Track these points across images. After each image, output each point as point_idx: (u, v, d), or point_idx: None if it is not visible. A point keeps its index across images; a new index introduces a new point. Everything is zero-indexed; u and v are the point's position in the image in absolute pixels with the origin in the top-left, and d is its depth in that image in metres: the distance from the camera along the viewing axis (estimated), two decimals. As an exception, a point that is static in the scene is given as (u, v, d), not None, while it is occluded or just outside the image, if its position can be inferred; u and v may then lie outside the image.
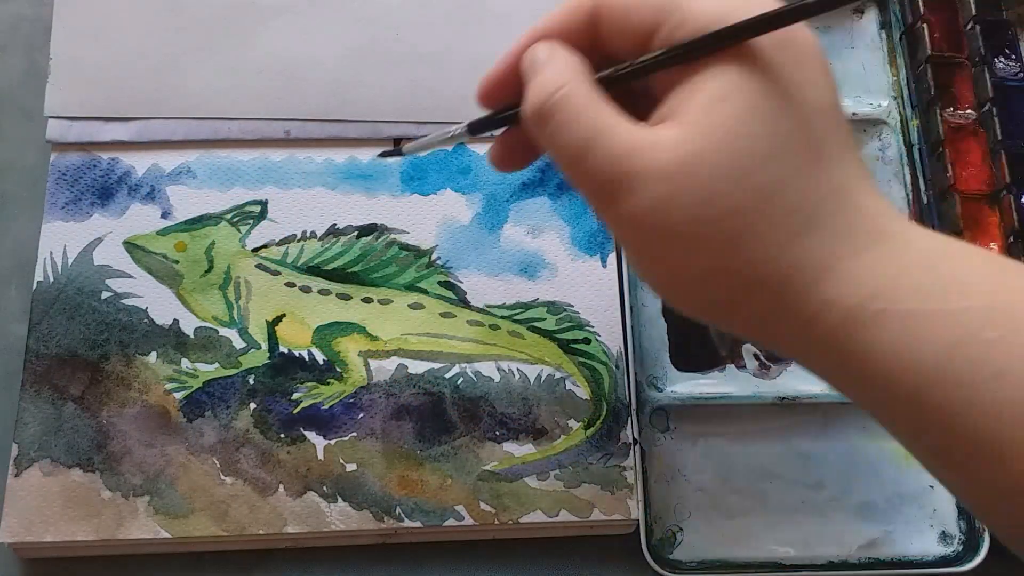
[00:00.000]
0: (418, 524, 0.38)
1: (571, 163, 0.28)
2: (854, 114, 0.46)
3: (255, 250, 0.42)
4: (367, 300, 0.41)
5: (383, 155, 0.37)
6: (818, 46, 0.28)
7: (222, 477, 0.38)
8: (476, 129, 0.32)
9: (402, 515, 0.38)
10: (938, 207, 0.44)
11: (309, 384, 0.40)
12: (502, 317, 0.41)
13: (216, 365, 0.40)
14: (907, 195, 0.45)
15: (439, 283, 0.42)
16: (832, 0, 0.25)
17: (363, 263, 0.42)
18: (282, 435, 0.39)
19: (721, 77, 0.26)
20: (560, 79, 0.28)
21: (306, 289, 0.42)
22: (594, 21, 0.29)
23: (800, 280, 0.26)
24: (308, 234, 0.42)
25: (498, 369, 0.41)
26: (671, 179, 0.26)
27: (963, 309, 0.25)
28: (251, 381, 0.40)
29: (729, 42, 0.26)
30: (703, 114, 0.26)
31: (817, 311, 0.26)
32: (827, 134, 0.27)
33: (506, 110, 0.31)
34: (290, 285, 0.42)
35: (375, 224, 0.43)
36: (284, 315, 0.41)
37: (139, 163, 0.43)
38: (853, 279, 0.26)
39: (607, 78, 0.29)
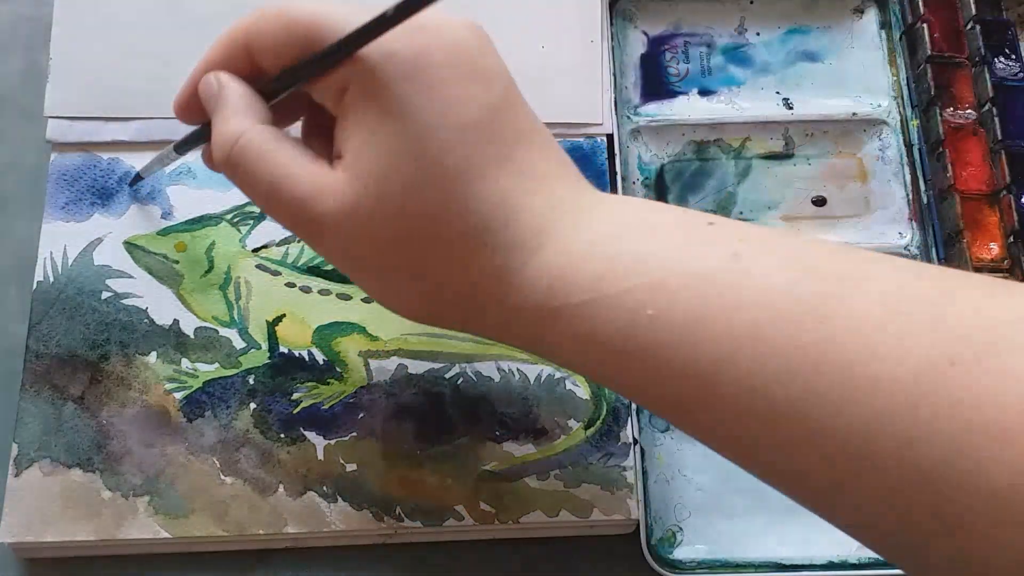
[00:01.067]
0: (418, 524, 0.38)
1: (263, 206, 0.31)
2: (854, 114, 0.46)
3: (255, 250, 0.42)
4: (367, 300, 0.41)
5: (131, 183, 0.42)
6: (464, 50, 0.28)
7: (222, 477, 0.38)
8: (180, 148, 0.36)
9: (402, 515, 0.38)
10: (938, 207, 0.44)
11: (309, 384, 0.40)
12: (502, 317, 0.41)
13: (216, 365, 0.40)
14: (907, 195, 0.45)
15: (439, 283, 0.42)
16: (415, 4, 0.25)
17: (363, 263, 0.42)
18: (282, 435, 0.39)
19: (363, 122, 0.28)
20: (238, 129, 0.29)
21: (306, 289, 0.42)
22: (249, 54, 0.30)
23: (485, 292, 0.28)
24: (308, 234, 0.42)
25: (498, 369, 0.41)
26: (342, 225, 0.28)
27: (625, 290, 0.27)
28: (251, 381, 0.40)
29: (333, 60, 0.27)
30: (353, 159, 0.28)
31: (508, 316, 0.29)
32: (475, 151, 0.27)
33: (202, 131, 0.34)
34: (290, 285, 0.42)
35: (375, 224, 0.43)
36: (284, 315, 0.41)
37: (139, 163, 0.43)
38: (527, 285, 0.28)
39: (266, 93, 0.30)
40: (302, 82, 0.29)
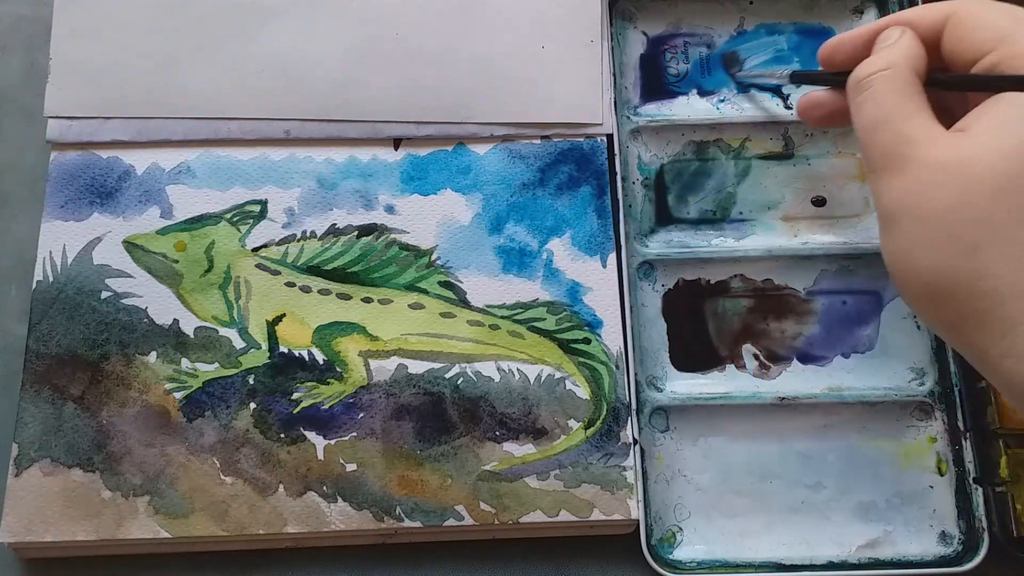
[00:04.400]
0: (418, 524, 0.38)
1: (863, 132, 0.33)
2: (854, 114, 0.46)
3: (255, 250, 0.42)
4: (367, 300, 0.41)
5: (731, 69, 0.46)
6: None
7: (222, 477, 0.38)
8: (797, 79, 0.41)
9: (402, 515, 0.38)
10: (938, 207, 0.44)
11: (309, 384, 0.40)
12: (502, 317, 0.41)
13: (216, 365, 0.40)
14: (907, 195, 0.45)
15: (439, 283, 0.42)
16: None
17: (363, 263, 0.42)
18: (282, 435, 0.39)
19: (1016, 108, 0.30)
20: (888, 60, 0.33)
21: (306, 289, 0.42)
22: (943, 24, 0.34)
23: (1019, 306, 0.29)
24: (308, 234, 0.42)
25: (498, 369, 0.41)
26: (936, 172, 0.30)
27: None
28: (251, 381, 0.40)
29: None
30: (987, 133, 0.30)
31: None
32: None
33: (835, 74, 0.37)
34: (290, 285, 0.42)
35: (375, 224, 0.43)
36: (284, 315, 0.41)
37: (139, 162, 0.43)
38: None
39: (935, 80, 0.34)
40: (988, 90, 0.32)
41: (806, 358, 0.42)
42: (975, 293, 0.29)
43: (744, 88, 0.46)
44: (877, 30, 0.36)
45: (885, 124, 0.32)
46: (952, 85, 0.34)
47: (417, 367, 0.40)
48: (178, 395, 0.40)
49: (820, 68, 0.39)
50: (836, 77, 0.37)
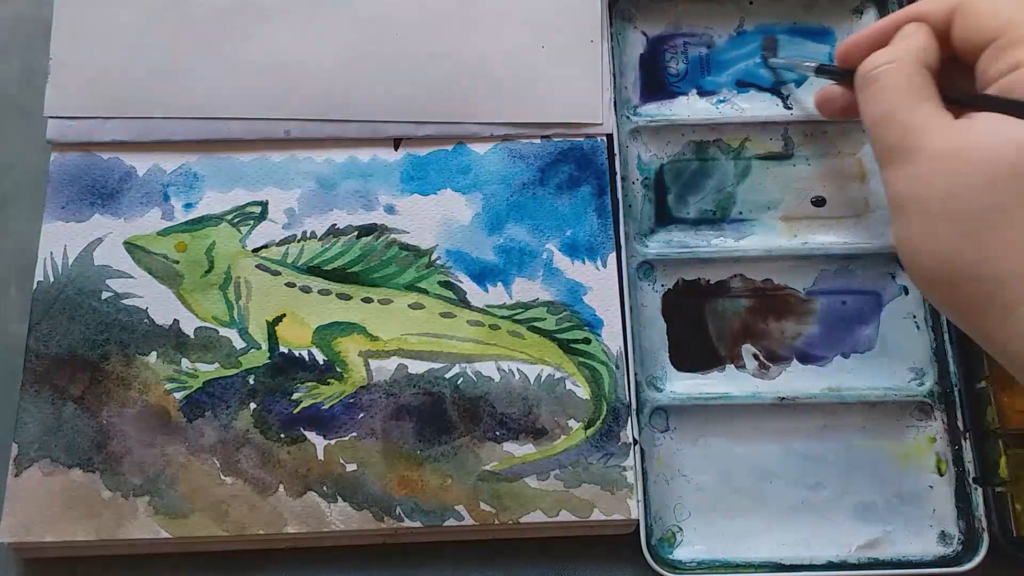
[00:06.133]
0: (418, 524, 0.38)
1: (870, 125, 0.35)
2: (854, 114, 0.46)
3: (255, 250, 0.42)
4: (367, 300, 0.41)
5: (765, 58, 0.47)
6: None
7: (222, 477, 0.38)
8: (821, 73, 0.42)
9: (402, 515, 0.38)
10: (938, 207, 0.44)
11: (309, 384, 0.40)
12: (502, 317, 0.41)
13: (216, 365, 0.40)
14: (907, 195, 0.45)
15: (439, 283, 0.42)
16: None
17: (363, 263, 0.42)
18: (282, 435, 0.39)
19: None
20: (893, 54, 0.35)
21: (306, 289, 0.42)
22: (951, 15, 0.35)
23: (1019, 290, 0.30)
24: (308, 234, 0.42)
25: (498, 369, 0.41)
26: (936, 160, 0.31)
27: None
28: (251, 381, 0.40)
29: None
30: (989, 120, 0.31)
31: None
32: None
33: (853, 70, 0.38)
34: (290, 285, 0.42)
35: (375, 224, 0.43)
36: (284, 315, 0.41)
37: (139, 163, 0.43)
38: None
39: (954, 99, 0.34)
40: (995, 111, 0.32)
41: (806, 358, 0.42)
42: (978, 278, 0.30)
43: (743, 87, 0.46)
44: (890, 26, 0.37)
45: (890, 116, 0.33)
46: (963, 102, 0.34)
47: (417, 367, 0.40)
48: (178, 395, 0.40)
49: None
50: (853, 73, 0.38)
